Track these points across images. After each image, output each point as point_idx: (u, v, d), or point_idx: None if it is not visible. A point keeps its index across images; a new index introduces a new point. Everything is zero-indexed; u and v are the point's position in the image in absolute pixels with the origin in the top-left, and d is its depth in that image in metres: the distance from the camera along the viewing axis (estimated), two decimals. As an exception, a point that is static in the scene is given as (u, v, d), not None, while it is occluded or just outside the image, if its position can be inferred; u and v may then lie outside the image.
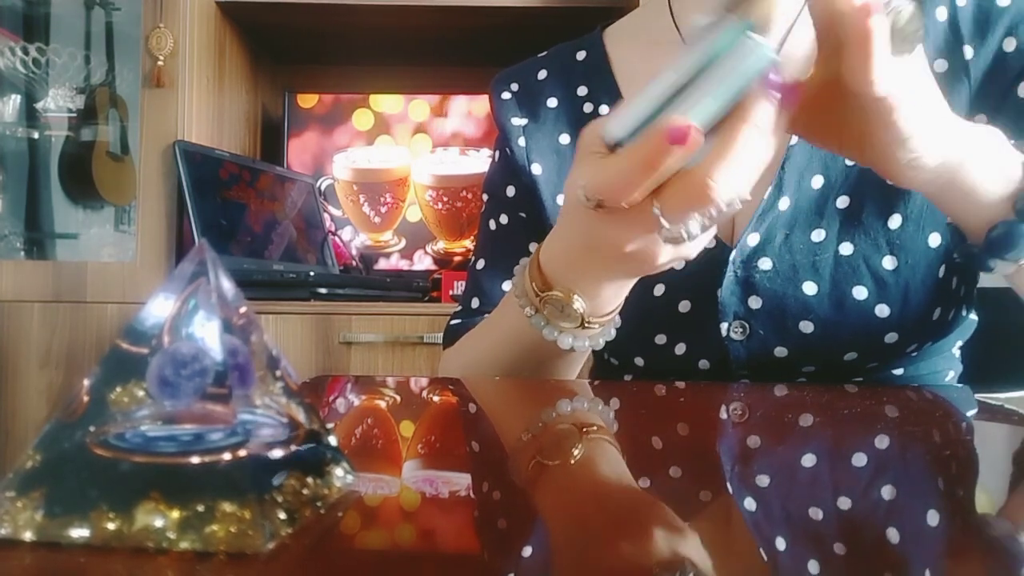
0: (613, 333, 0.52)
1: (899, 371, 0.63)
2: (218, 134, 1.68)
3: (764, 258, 0.60)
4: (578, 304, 0.49)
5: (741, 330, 0.61)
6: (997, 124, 0.57)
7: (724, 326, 0.61)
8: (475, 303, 0.73)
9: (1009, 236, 0.44)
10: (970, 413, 0.46)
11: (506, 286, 0.72)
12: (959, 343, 0.67)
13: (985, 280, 0.65)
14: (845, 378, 0.62)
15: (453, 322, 0.74)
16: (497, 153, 0.75)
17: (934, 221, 0.58)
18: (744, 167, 0.37)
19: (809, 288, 0.59)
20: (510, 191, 0.73)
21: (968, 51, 0.58)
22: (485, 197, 0.76)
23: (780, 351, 0.60)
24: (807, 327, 0.59)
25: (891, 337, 0.58)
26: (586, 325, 0.50)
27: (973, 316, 0.66)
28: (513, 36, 1.71)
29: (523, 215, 0.72)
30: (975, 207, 0.45)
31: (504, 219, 0.73)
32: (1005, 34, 0.57)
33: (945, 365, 0.66)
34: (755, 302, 0.60)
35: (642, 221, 0.40)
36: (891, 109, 0.38)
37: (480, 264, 0.75)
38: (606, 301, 0.50)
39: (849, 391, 0.52)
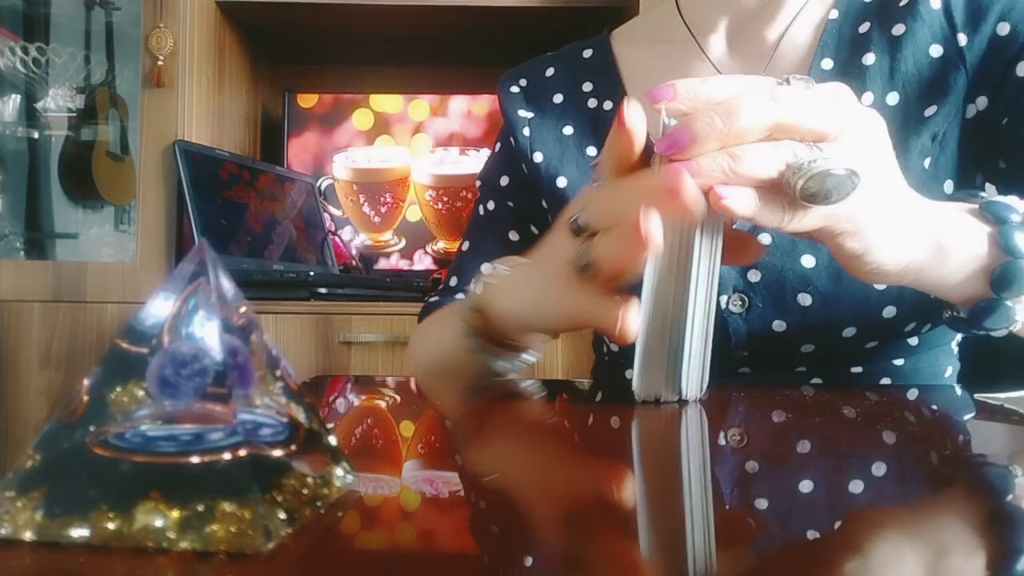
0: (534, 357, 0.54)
1: (899, 361, 0.63)
2: (218, 134, 1.68)
3: (763, 233, 0.61)
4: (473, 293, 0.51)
5: (740, 303, 0.61)
6: (997, 104, 0.59)
7: (723, 299, 0.61)
8: (453, 282, 0.78)
9: (991, 310, 0.45)
10: (967, 416, 0.46)
11: (484, 268, 0.73)
12: (958, 337, 0.67)
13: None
14: (845, 361, 0.62)
15: (431, 299, 0.79)
16: (498, 145, 0.78)
17: (930, 196, 0.59)
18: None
19: (807, 261, 0.59)
20: (503, 180, 0.76)
21: (962, 39, 0.60)
22: (478, 184, 0.80)
23: (779, 324, 0.61)
24: (805, 299, 0.59)
25: (889, 311, 0.58)
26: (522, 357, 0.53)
27: None
28: (513, 36, 1.71)
29: (510, 204, 0.76)
30: (950, 290, 0.46)
31: (491, 205, 0.77)
32: (998, 20, 0.59)
33: (945, 360, 0.66)
34: (754, 275, 0.61)
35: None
36: (830, 236, 0.40)
37: (465, 246, 0.79)
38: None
39: (848, 392, 0.52)
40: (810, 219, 0.38)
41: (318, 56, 1.92)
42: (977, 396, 0.47)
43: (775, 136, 0.36)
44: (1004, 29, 0.58)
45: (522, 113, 0.74)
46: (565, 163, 0.71)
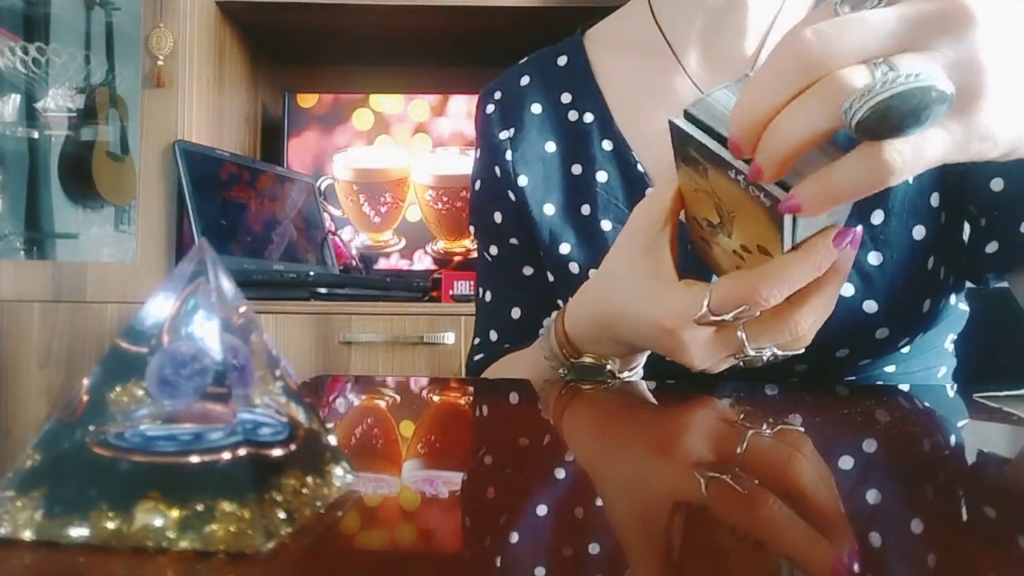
0: (641, 372, 0.56)
1: (891, 368, 0.63)
2: (218, 134, 1.68)
3: None
4: (611, 366, 0.52)
5: None
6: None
7: None
8: (493, 336, 0.74)
9: None
10: (961, 423, 0.46)
11: (515, 313, 0.73)
12: (951, 337, 0.67)
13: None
14: (838, 375, 0.62)
15: (476, 357, 0.75)
16: (479, 183, 0.75)
17: (917, 214, 0.58)
18: (829, 310, 0.42)
19: None
20: (497, 217, 0.73)
21: None
22: (472, 228, 0.77)
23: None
24: None
25: (882, 333, 0.58)
26: (617, 377, 0.53)
27: (964, 307, 0.66)
28: (513, 36, 1.71)
29: (513, 241, 0.72)
30: None
31: (494, 250, 0.74)
32: None
33: (937, 361, 0.66)
34: None
35: (727, 345, 0.44)
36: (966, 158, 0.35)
37: (488, 296, 0.75)
38: (635, 358, 0.54)
39: (840, 395, 0.52)
40: (919, 157, 0.32)
41: (318, 56, 1.92)
42: (976, 396, 0.47)
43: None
44: None
45: (502, 135, 0.71)
46: (550, 187, 0.69)
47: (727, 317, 0.41)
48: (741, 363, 0.45)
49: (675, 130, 0.39)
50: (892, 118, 0.30)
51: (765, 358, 0.44)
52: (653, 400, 0.49)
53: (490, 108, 0.74)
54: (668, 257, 0.45)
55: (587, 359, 0.53)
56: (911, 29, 0.31)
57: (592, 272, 0.65)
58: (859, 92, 0.30)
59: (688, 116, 0.38)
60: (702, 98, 0.38)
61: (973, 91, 0.31)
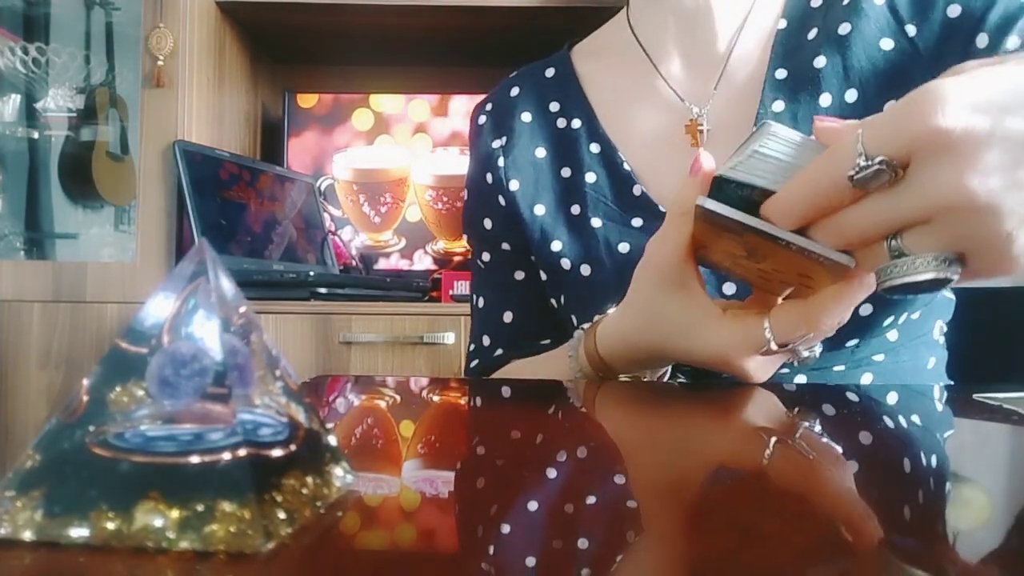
0: (669, 371, 0.58)
1: (880, 357, 0.63)
2: (218, 134, 1.68)
3: None
4: (647, 378, 0.55)
5: None
6: None
7: None
8: (487, 341, 0.76)
9: None
10: (960, 423, 0.46)
11: (507, 317, 0.75)
12: (940, 325, 0.67)
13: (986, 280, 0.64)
14: (827, 362, 0.62)
15: (472, 364, 0.76)
16: (470, 191, 0.78)
17: None
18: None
19: None
20: (487, 224, 0.75)
21: (911, 30, 0.61)
22: (465, 237, 0.80)
23: None
24: None
25: (865, 309, 0.59)
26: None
27: (949, 295, 0.67)
28: (513, 36, 1.71)
29: (505, 247, 0.74)
30: None
31: (486, 256, 0.76)
32: (947, 3, 0.60)
33: (927, 352, 0.66)
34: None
35: (784, 355, 0.46)
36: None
37: (481, 302, 0.77)
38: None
39: (838, 395, 0.52)
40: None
41: (318, 56, 1.92)
42: (976, 396, 0.47)
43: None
44: (955, 11, 0.59)
45: (495, 144, 0.74)
46: (541, 189, 0.71)
47: (794, 347, 0.44)
48: (796, 363, 0.47)
49: (707, 213, 0.41)
50: (907, 293, 0.36)
51: (817, 353, 0.46)
52: (652, 394, 0.49)
53: (482, 119, 0.77)
54: (702, 291, 0.47)
55: (624, 378, 0.55)
56: (924, 212, 0.34)
57: (584, 268, 0.67)
58: (879, 270, 0.36)
59: (723, 180, 0.40)
60: (736, 163, 0.40)
61: (992, 261, 0.35)
